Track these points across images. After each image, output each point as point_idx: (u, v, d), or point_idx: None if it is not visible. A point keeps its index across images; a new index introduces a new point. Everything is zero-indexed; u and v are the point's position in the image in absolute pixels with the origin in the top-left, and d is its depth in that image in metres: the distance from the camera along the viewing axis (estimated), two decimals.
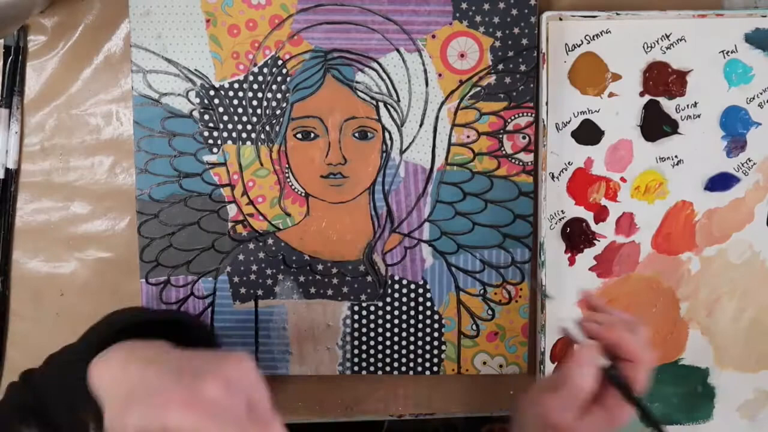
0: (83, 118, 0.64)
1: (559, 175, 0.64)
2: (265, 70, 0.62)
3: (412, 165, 0.63)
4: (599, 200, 0.64)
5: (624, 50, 0.62)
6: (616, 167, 0.64)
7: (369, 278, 0.64)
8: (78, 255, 0.65)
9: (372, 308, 0.65)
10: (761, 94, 0.63)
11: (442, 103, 0.63)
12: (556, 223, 0.64)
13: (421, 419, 0.68)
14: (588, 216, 0.64)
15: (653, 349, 0.49)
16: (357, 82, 0.62)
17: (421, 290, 0.64)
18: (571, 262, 0.64)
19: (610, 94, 0.63)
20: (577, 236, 0.64)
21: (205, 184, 0.63)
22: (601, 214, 0.64)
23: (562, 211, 0.64)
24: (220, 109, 0.63)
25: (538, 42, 0.62)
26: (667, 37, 0.62)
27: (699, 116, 0.63)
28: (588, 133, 0.63)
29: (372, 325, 0.65)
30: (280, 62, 0.62)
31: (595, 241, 0.65)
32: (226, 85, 0.62)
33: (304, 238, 0.64)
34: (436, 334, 0.65)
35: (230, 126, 0.63)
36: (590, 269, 0.65)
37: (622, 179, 0.64)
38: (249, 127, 0.63)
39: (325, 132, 0.63)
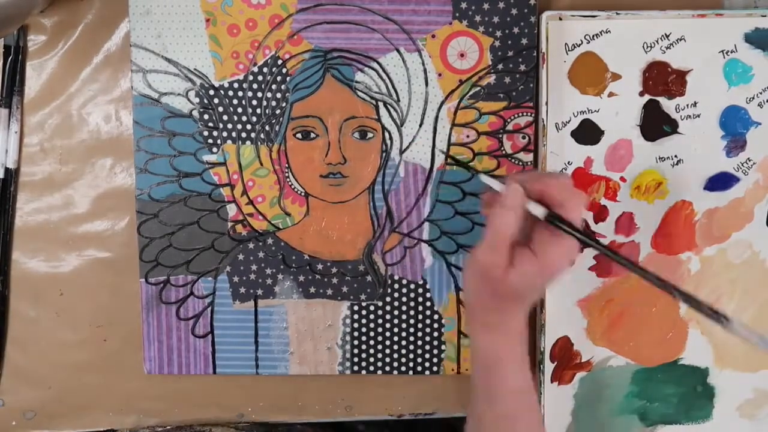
0: (83, 118, 0.64)
1: None
2: (265, 69, 0.61)
3: (412, 165, 0.63)
4: (599, 200, 0.63)
5: (624, 50, 0.61)
6: (616, 167, 0.63)
7: (369, 278, 0.63)
8: (78, 255, 0.64)
9: (372, 308, 0.64)
10: (761, 93, 0.62)
11: (442, 103, 0.62)
12: None
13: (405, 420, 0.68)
14: (587, 216, 0.63)
15: (580, 196, 0.50)
16: (357, 82, 0.61)
17: (420, 290, 0.64)
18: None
19: (610, 94, 0.62)
20: None
21: (204, 184, 0.62)
22: (600, 214, 0.63)
23: None
24: (220, 109, 0.62)
25: (538, 42, 0.61)
26: (667, 36, 0.61)
27: (699, 116, 0.62)
28: (588, 132, 0.62)
29: (372, 325, 0.64)
30: (279, 62, 0.61)
31: None
32: (226, 85, 0.61)
33: (304, 237, 0.63)
34: (435, 334, 0.64)
35: (230, 126, 0.62)
36: (590, 269, 0.64)
37: (622, 179, 0.63)
38: (249, 126, 0.62)
39: (324, 132, 0.62)
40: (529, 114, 0.62)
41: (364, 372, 0.64)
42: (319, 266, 0.64)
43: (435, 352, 0.64)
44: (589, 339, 0.65)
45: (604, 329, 0.65)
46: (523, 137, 0.63)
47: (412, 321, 0.64)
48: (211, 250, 0.63)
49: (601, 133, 0.62)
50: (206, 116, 0.62)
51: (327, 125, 0.62)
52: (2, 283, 0.65)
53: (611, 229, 0.64)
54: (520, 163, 0.63)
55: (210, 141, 0.62)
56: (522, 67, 0.62)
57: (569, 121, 0.62)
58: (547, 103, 0.61)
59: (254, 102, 0.62)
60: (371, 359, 0.64)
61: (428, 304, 0.64)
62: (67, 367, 0.65)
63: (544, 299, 0.63)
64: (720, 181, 0.63)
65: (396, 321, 0.64)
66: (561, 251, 0.48)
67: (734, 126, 0.63)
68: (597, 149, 0.62)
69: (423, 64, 0.62)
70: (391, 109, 0.62)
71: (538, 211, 0.49)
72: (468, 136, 0.63)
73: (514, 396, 0.53)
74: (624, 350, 0.65)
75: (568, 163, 0.63)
